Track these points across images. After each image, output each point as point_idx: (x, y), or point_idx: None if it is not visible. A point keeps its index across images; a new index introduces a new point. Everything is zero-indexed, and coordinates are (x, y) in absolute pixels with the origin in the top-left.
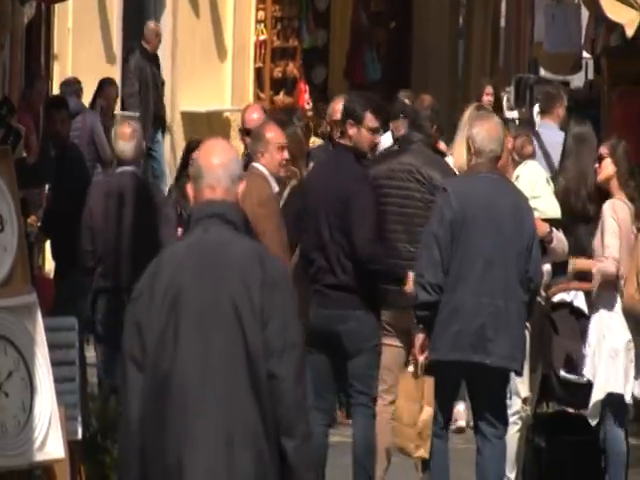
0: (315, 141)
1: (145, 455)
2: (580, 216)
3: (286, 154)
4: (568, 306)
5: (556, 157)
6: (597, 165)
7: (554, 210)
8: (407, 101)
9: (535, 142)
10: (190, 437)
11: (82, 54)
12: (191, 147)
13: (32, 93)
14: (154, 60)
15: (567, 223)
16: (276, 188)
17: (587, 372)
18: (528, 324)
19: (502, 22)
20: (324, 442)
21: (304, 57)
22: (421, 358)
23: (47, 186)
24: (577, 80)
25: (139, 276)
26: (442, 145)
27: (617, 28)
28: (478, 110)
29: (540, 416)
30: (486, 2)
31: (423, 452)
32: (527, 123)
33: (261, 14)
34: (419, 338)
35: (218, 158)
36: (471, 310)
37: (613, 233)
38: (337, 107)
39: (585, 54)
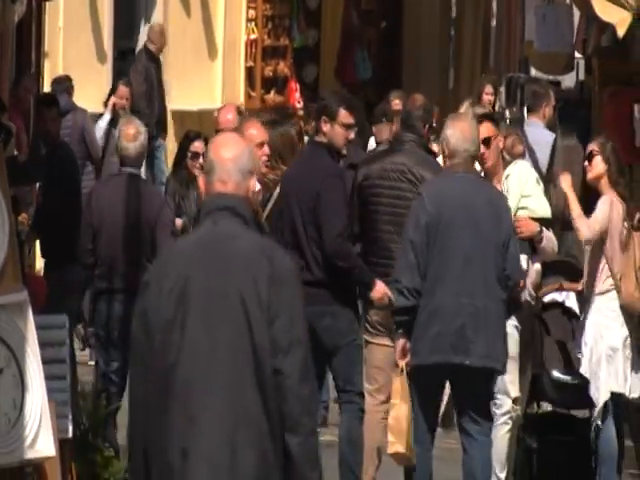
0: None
1: (149, 446)
2: (569, 224)
3: (266, 149)
4: (560, 306)
5: (541, 155)
6: (586, 163)
7: (544, 209)
8: (398, 101)
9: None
10: (194, 429)
11: (73, 52)
12: (190, 138)
13: (20, 90)
14: (157, 61)
15: (558, 230)
16: (257, 186)
17: (584, 371)
18: (518, 324)
19: (493, 21)
20: None
21: (295, 56)
22: (402, 363)
23: (37, 184)
24: (568, 80)
25: (134, 277)
26: (435, 146)
27: (608, 28)
28: (472, 107)
29: (531, 416)
30: (477, 1)
31: (399, 447)
32: (518, 122)
33: (252, 13)
34: (399, 343)
35: (229, 152)
36: (450, 311)
37: (602, 215)
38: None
39: (576, 54)
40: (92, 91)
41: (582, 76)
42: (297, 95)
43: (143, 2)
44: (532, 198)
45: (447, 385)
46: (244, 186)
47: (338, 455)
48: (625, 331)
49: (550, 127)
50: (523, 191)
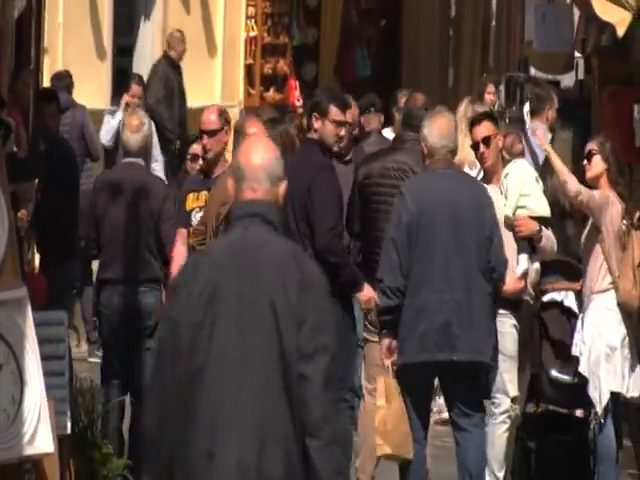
0: None
1: (172, 446)
2: (568, 214)
3: None
4: (558, 306)
5: (543, 157)
6: (585, 162)
7: (543, 208)
8: (403, 100)
9: (523, 141)
10: (222, 432)
11: (72, 48)
12: (189, 140)
13: (18, 85)
14: (177, 68)
15: (555, 221)
16: None
17: (582, 370)
18: (517, 323)
19: (492, 21)
20: None
21: (294, 54)
22: (387, 362)
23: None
24: (567, 80)
25: (136, 268)
26: None
27: (608, 28)
28: (472, 104)
29: (529, 416)
30: (476, 0)
31: (386, 449)
32: (517, 121)
33: (251, 10)
34: (384, 343)
35: (259, 158)
36: (434, 309)
37: (591, 192)
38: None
39: (576, 54)
40: (91, 88)
41: (581, 75)
42: (296, 93)
43: None
44: (531, 197)
45: None
46: (274, 192)
47: None
48: (623, 330)
49: (552, 129)
50: (522, 190)
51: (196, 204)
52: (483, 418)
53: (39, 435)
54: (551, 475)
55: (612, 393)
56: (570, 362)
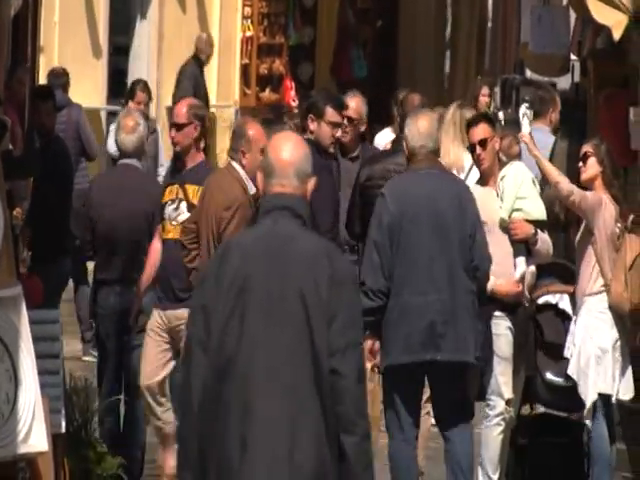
0: None
1: (203, 439)
2: (562, 224)
3: None
4: (553, 308)
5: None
6: (581, 164)
7: (539, 211)
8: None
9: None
10: (255, 425)
11: (68, 47)
12: None
13: (14, 83)
14: (202, 69)
15: (551, 230)
16: (253, 189)
17: (571, 372)
18: (512, 325)
19: (488, 22)
20: None
21: (290, 54)
22: (369, 365)
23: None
24: (563, 82)
25: (131, 268)
26: None
27: (603, 31)
28: (461, 109)
29: (524, 418)
30: (472, 2)
31: None
32: (512, 124)
33: (248, 10)
34: (368, 344)
35: (289, 155)
36: (419, 310)
37: (584, 193)
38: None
39: (572, 56)
40: (87, 86)
41: (577, 78)
42: (292, 93)
43: None
44: (527, 200)
45: None
46: (302, 189)
47: None
48: (615, 333)
49: (554, 131)
50: (518, 193)
51: (169, 197)
52: (470, 418)
53: (33, 433)
54: (545, 477)
55: (603, 395)
56: (564, 365)
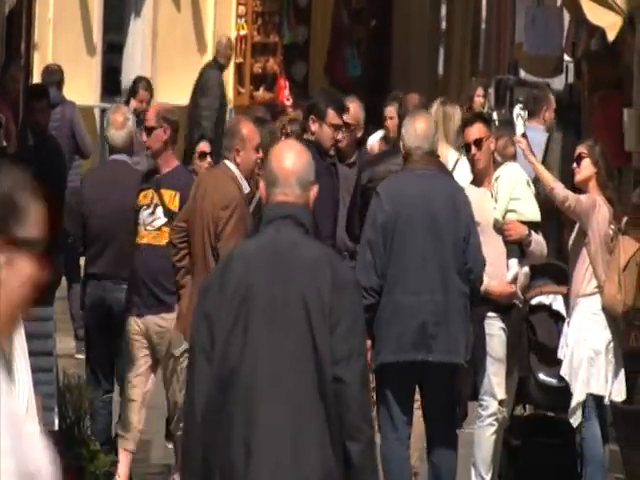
0: None
1: (207, 447)
2: (561, 220)
3: (261, 154)
4: (547, 309)
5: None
6: (575, 165)
7: (534, 213)
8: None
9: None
10: (259, 433)
11: (62, 44)
12: (197, 139)
13: (7, 80)
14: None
15: (547, 228)
16: (247, 189)
17: (564, 372)
18: (505, 326)
19: (482, 23)
20: None
21: (285, 53)
22: None
23: None
24: (557, 83)
25: (121, 263)
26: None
27: (598, 32)
28: (444, 105)
29: (516, 418)
30: (467, 2)
31: None
32: (506, 124)
33: (242, 9)
34: None
35: (292, 164)
36: (411, 310)
37: (578, 196)
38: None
39: (566, 57)
40: (81, 84)
41: (571, 79)
42: (286, 92)
43: None
44: (522, 201)
45: None
46: (305, 197)
47: None
48: (608, 334)
49: (548, 129)
50: (513, 193)
51: (143, 202)
52: (457, 422)
53: None
54: (538, 478)
55: (596, 397)
56: (557, 366)
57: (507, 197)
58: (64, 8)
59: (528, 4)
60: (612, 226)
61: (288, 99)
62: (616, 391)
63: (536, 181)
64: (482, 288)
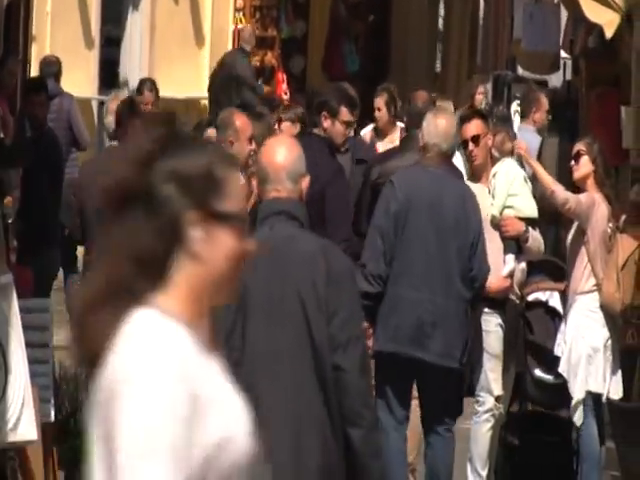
0: None
1: None
2: (555, 219)
3: (254, 145)
4: (543, 305)
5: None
6: (573, 163)
7: (531, 209)
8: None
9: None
10: (260, 427)
11: (60, 37)
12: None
13: (4, 72)
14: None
15: (543, 226)
16: (242, 180)
17: (562, 370)
18: (502, 322)
19: (480, 19)
20: None
21: (282, 47)
22: None
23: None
24: (555, 80)
25: None
26: None
27: (595, 29)
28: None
29: (513, 415)
30: None
31: None
32: (503, 120)
33: (240, 2)
34: None
35: (282, 159)
36: (410, 305)
37: (578, 197)
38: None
39: (564, 54)
40: (79, 76)
41: (569, 76)
42: (284, 86)
43: None
44: (519, 197)
45: None
46: (297, 190)
47: None
48: (606, 332)
49: (541, 132)
50: (510, 190)
51: None
52: (454, 423)
53: (23, 422)
54: (534, 474)
55: (594, 394)
56: (554, 362)
57: (504, 193)
58: (62, 1)
59: (526, 1)
60: (610, 224)
61: (286, 93)
62: (614, 389)
63: (533, 179)
64: None
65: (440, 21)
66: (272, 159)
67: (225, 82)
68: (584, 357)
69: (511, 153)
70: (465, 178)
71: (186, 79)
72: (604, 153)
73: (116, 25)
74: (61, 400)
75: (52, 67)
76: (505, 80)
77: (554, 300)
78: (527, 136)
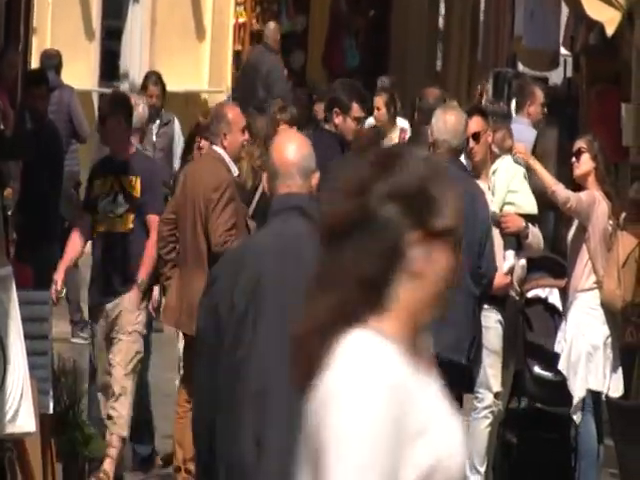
0: None
1: (217, 442)
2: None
3: (247, 135)
4: (542, 302)
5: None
6: (574, 160)
7: (531, 205)
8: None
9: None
10: (269, 425)
11: (61, 29)
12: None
13: (4, 65)
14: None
15: (542, 216)
16: (236, 172)
17: (561, 367)
18: (502, 319)
19: (481, 16)
20: None
21: (283, 42)
22: None
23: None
24: (556, 77)
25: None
26: None
27: (596, 27)
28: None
29: (511, 411)
30: None
31: None
32: (504, 117)
33: None
34: None
35: (292, 155)
36: None
37: (579, 196)
38: None
39: (564, 51)
40: (80, 69)
41: (570, 74)
42: None
43: None
44: (519, 194)
45: None
46: (308, 185)
47: None
48: (606, 329)
49: (535, 124)
50: (510, 186)
51: (101, 189)
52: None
53: (21, 414)
54: (532, 471)
55: (593, 392)
56: (553, 360)
57: (504, 190)
58: None
59: None
60: (611, 221)
61: None
62: (614, 387)
63: (531, 176)
64: None
65: (440, 18)
66: (283, 155)
67: (251, 80)
68: (584, 355)
69: (511, 150)
70: None
71: (186, 72)
72: (604, 150)
73: (117, 18)
74: (60, 392)
75: (52, 60)
76: (506, 77)
77: (554, 297)
78: (522, 129)
